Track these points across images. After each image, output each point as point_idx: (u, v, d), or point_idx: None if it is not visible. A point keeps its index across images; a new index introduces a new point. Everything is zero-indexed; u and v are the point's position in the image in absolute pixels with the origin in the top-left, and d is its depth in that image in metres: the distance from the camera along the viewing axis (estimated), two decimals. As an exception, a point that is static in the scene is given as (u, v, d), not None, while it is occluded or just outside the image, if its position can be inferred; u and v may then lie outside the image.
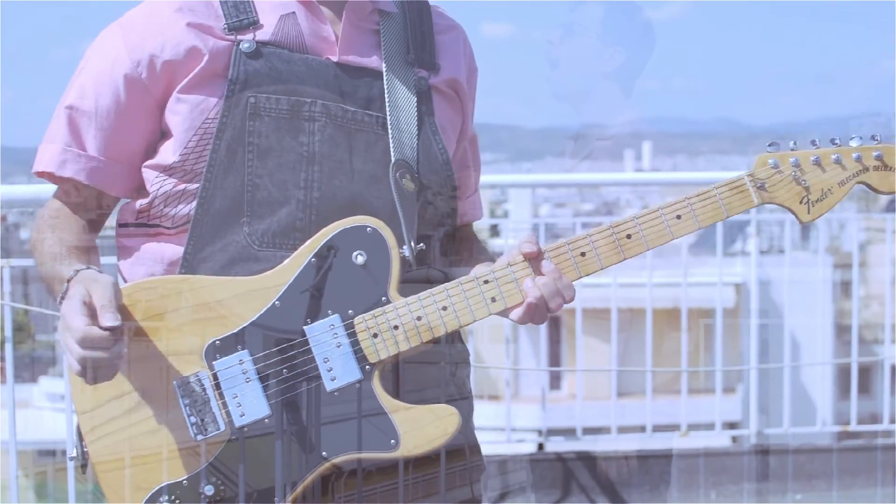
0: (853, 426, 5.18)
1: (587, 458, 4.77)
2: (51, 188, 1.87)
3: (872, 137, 1.79)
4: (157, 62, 1.74)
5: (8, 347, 3.77)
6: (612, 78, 2.88)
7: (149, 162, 1.79)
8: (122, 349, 1.60)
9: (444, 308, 1.72)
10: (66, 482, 3.63)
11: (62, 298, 1.65)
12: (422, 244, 1.76)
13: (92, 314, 1.59)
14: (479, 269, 1.76)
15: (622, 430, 5.03)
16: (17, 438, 3.64)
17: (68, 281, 1.67)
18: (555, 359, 15.62)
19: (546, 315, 1.75)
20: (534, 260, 1.73)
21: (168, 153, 1.75)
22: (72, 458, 1.74)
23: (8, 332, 3.75)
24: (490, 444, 4.79)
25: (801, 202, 1.79)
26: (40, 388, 19.91)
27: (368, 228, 1.71)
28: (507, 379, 5.00)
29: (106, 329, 1.58)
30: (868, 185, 1.79)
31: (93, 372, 1.60)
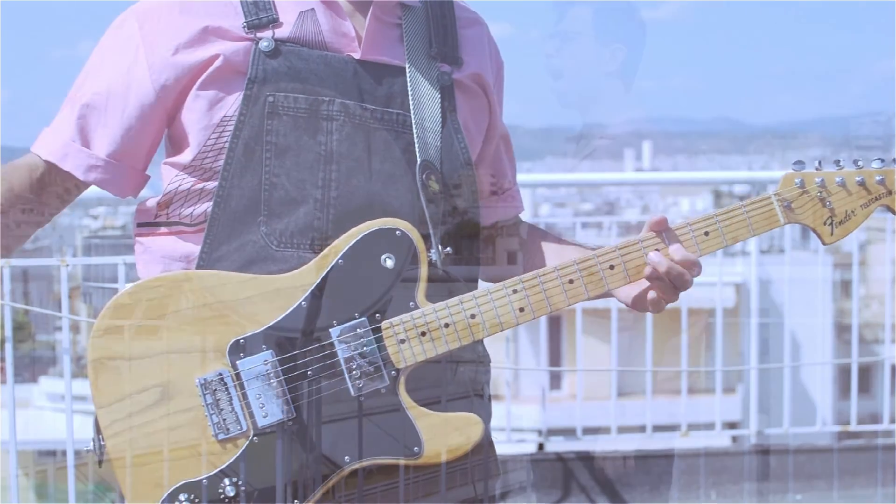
0: (853, 426, 5.17)
1: (587, 458, 4.77)
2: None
3: (895, 160, 1.79)
4: (172, 68, 1.72)
5: (8, 347, 3.78)
6: (614, 76, 2.88)
7: (167, 160, 1.78)
8: None
9: (473, 316, 1.70)
10: (66, 482, 3.63)
11: None
12: (449, 248, 1.73)
13: None
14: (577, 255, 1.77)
15: (622, 430, 5.03)
16: (17, 438, 3.65)
17: None
18: (555, 359, 15.60)
19: (675, 292, 1.77)
20: (653, 237, 1.74)
21: (185, 151, 1.74)
22: (89, 451, 1.73)
23: (8, 332, 3.75)
24: (490, 444, 4.77)
25: (825, 223, 1.78)
26: (40, 388, 19.89)
27: (398, 231, 1.68)
28: (508, 379, 4.99)
29: None
30: (890, 209, 1.79)
31: None
